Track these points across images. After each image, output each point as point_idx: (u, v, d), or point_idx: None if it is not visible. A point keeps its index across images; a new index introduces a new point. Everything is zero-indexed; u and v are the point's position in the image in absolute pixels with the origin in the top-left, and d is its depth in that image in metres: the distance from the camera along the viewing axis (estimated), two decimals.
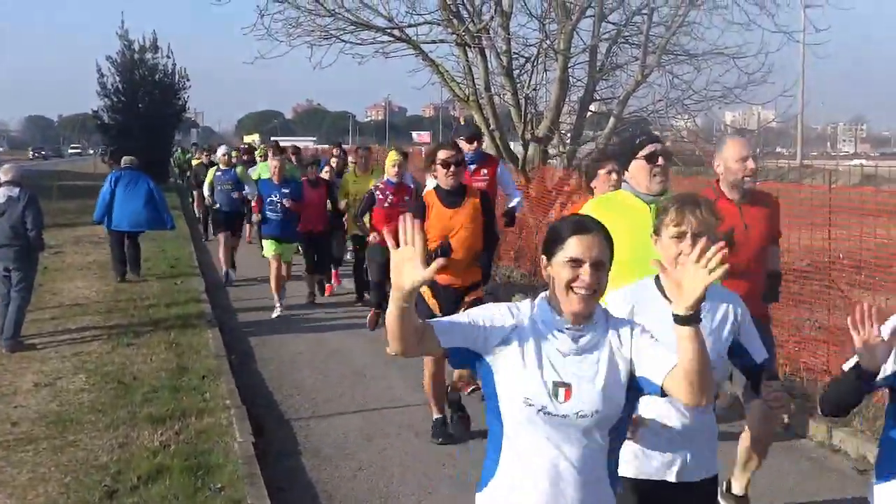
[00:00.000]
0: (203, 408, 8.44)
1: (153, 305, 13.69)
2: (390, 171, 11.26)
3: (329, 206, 14.26)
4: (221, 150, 17.30)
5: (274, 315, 13.31)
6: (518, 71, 17.82)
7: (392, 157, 11.49)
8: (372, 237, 11.24)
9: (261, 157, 19.36)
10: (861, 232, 9.05)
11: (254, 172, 16.72)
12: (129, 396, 8.86)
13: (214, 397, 8.79)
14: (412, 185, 11.99)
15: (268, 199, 13.48)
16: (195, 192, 25.55)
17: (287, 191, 13.41)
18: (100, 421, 8.10)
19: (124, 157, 17.20)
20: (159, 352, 10.77)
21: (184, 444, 7.49)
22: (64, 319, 12.70)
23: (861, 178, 59.61)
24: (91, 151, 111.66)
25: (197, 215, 26.89)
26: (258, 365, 10.73)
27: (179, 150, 48.49)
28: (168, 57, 49.04)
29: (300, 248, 14.65)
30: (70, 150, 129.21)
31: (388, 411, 8.80)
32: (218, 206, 16.59)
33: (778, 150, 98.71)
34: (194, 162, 27.68)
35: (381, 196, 11.18)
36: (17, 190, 11.19)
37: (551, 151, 18.20)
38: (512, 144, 18.29)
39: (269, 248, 13.68)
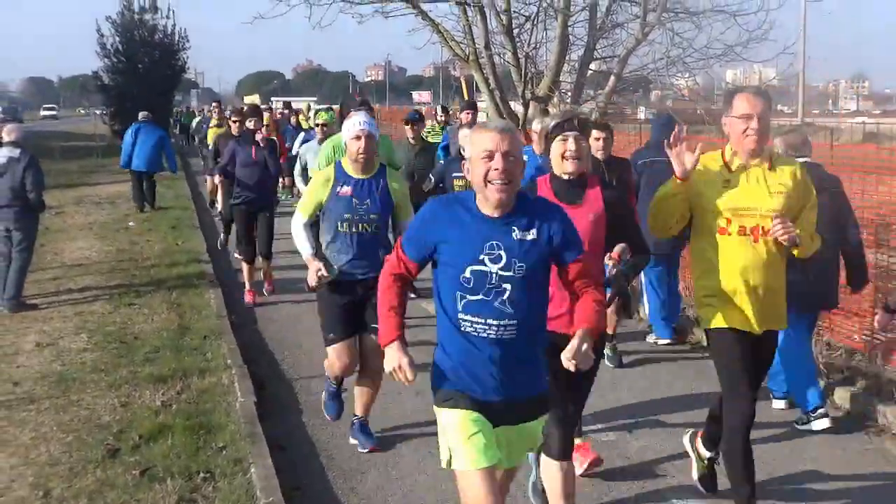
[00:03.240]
0: (204, 367, 8.49)
1: (154, 266, 13.71)
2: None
3: None
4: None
5: None
6: (518, 30, 17.71)
7: None
8: None
9: (317, 125, 11.28)
10: (863, 189, 9.04)
11: (315, 154, 10.09)
12: (131, 356, 8.90)
13: (216, 357, 8.83)
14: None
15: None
16: (214, 178, 17.40)
17: None
18: (102, 380, 8.14)
19: (141, 113, 21.23)
20: (161, 311, 10.80)
21: (185, 403, 7.53)
22: (65, 279, 12.73)
23: (863, 135, 59.39)
24: (83, 112, 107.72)
25: (216, 207, 18.61)
26: (259, 325, 10.75)
27: (185, 111, 48.11)
28: (168, 18, 48.71)
29: None
30: (42, 112, 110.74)
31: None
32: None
33: (779, 108, 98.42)
34: (212, 132, 20.02)
35: None
36: (17, 151, 11.20)
37: (551, 110, 18.13)
38: (512, 104, 18.24)
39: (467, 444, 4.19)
